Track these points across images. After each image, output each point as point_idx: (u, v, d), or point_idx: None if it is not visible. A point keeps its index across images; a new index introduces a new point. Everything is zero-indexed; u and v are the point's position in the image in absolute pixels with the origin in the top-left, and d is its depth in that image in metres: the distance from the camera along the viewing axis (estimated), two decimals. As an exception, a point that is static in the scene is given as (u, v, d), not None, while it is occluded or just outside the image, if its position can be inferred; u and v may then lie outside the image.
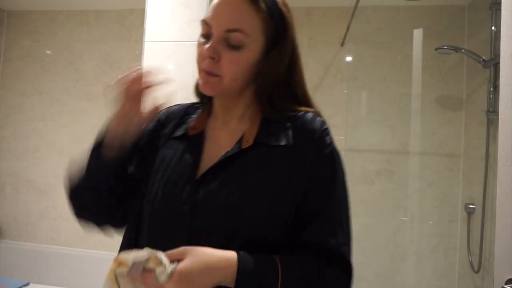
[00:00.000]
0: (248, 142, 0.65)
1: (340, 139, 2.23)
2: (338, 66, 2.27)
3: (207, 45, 0.63)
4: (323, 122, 0.69)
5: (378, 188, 2.17)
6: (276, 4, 0.66)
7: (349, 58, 2.27)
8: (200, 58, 0.65)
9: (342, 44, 2.24)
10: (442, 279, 2.08)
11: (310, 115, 0.69)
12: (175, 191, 0.65)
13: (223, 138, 0.70)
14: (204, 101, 0.77)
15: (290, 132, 0.66)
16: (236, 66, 0.64)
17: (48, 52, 2.57)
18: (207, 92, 0.66)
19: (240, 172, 0.64)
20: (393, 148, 2.16)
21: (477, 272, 1.79)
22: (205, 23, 0.64)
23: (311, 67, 2.29)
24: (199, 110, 0.75)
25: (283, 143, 0.65)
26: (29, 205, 2.52)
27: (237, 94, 0.69)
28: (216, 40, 0.62)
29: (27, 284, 1.94)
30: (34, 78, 2.57)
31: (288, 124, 0.67)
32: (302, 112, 0.69)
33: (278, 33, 0.66)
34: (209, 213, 0.62)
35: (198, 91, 0.76)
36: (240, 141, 0.66)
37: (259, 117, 0.69)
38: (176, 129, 0.74)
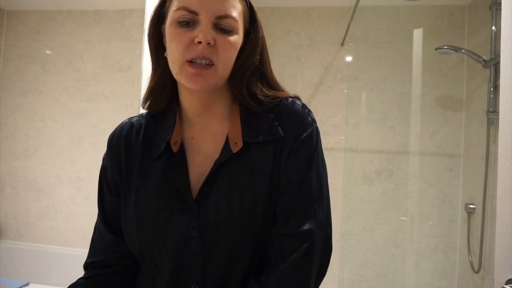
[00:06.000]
0: (237, 145, 0.62)
1: (340, 139, 2.23)
2: (338, 66, 2.27)
3: (199, 30, 0.58)
4: (303, 106, 0.67)
5: (378, 188, 2.17)
6: None
7: (349, 58, 2.27)
8: (184, 47, 0.59)
9: (342, 44, 2.24)
10: (442, 279, 2.08)
11: (289, 101, 0.67)
12: (173, 218, 0.60)
13: (206, 145, 0.66)
14: (157, 113, 0.70)
15: (276, 123, 0.64)
16: (229, 51, 0.61)
17: (48, 52, 2.57)
18: (198, 87, 0.60)
19: (235, 180, 0.61)
20: (393, 148, 2.16)
21: (477, 272, 1.78)
22: (188, 11, 0.59)
23: (311, 67, 2.29)
24: (167, 122, 0.67)
25: (273, 137, 0.63)
26: (29, 205, 2.51)
27: (217, 89, 0.65)
28: (208, 26, 0.59)
29: (27, 284, 1.94)
30: (34, 78, 2.57)
31: (272, 116, 0.65)
32: (280, 100, 0.67)
33: (250, 18, 0.67)
34: (215, 230, 0.60)
35: (155, 101, 0.69)
36: (226, 146, 0.62)
37: (237, 114, 0.66)
38: (146, 150, 0.66)
